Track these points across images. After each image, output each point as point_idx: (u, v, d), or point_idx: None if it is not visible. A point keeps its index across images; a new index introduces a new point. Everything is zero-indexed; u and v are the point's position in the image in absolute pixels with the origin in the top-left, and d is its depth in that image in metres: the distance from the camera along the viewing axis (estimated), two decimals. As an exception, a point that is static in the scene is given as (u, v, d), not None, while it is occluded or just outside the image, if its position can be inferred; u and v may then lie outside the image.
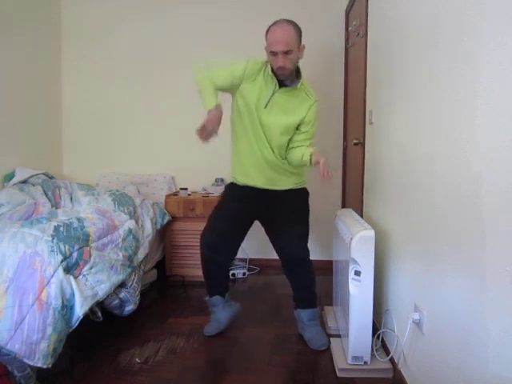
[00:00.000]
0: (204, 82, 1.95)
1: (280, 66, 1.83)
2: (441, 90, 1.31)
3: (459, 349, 1.18)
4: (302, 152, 1.94)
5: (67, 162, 3.46)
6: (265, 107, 1.93)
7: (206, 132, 1.77)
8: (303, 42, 1.91)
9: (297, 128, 1.99)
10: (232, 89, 1.98)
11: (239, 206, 2.07)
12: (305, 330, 2.11)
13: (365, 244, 1.72)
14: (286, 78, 1.92)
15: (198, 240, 2.89)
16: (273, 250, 2.14)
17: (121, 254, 2.12)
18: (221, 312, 2.17)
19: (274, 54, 1.82)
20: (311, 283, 2.12)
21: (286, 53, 1.81)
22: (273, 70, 1.90)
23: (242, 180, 2.08)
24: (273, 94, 1.92)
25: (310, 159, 1.87)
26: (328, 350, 2.00)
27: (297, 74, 1.97)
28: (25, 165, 2.89)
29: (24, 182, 2.72)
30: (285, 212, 2.06)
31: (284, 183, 2.06)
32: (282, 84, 1.92)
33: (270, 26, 1.87)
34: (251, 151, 2.01)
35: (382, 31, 2.05)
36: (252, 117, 1.95)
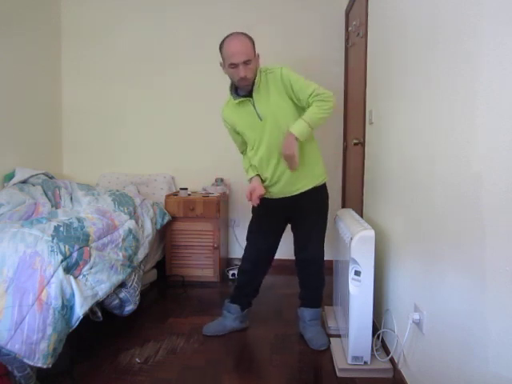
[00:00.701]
0: (246, 165, 2.12)
1: (242, 77, 1.83)
2: (441, 90, 1.31)
3: (459, 349, 1.18)
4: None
5: (67, 162, 3.46)
6: (260, 120, 1.94)
7: (249, 198, 1.98)
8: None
9: (294, 102, 1.92)
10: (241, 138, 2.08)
11: (271, 218, 2.10)
12: (306, 329, 2.11)
13: (365, 244, 1.72)
14: (249, 86, 1.91)
15: (198, 240, 2.93)
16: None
17: (121, 254, 2.12)
18: (230, 321, 2.18)
19: (234, 65, 1.83)
20: (321, 284, 2.13)
21: (246, 63, 1.81)
22: (235, 88, 1.96)
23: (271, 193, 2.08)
24: (254, 106, 1.93)
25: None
26: (328, 349, 2.00)
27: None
28: (25, 165, 2.89)
29: (24, 181, 2.72)
30: (310, 212, 2.05)
31: (309, 180, 2.02)
32: (249, 94, 1.93)
33: (223, 41, 1.88)
34: (271, 163, 1.99)
35: (382, 31, 2.05)
36: (256, 134, 1.97)
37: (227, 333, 2.17)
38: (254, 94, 1.93)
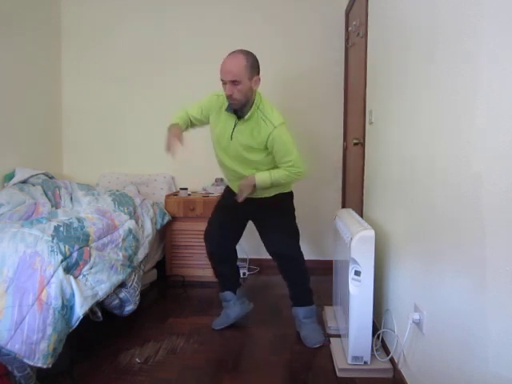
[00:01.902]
0: (177, 112, 2.15)
1: (228, 95, 1.84)
2: (441, 90, 1.31)
3: (459, 349, 1.18)
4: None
5: (67, 162, 3.46)
6: (231, 139, 1.97)
7: (168, 147, 1.95)
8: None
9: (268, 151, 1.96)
10: (206, 121, 2.10)
11: (233, 205, 2.10)
12: (301, 327, 2.13)
13: (365, 244, 1.72)
14: (241, 108, 1.90)
15: (198, 240, 2.92)
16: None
17: (121, 254, 2.12)
18: (231, 308, 2.23)
19: (223, 82, 1.84)
20: (304, 280, 2.15)
21: (234, 83, 1.80)
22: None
23: (230, 186, 2.20)
24: (235, 125, 1.95)
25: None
26: (328, 349, 2.00)
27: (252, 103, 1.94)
28: (25, 165, 2.89)
29: (24, 181, 2.72)
30: (270, 215, 2.10)
31: (264, 193, 2.07)
32: (240, 116, 1.94)
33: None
34: (230, 171, 2.10)
35: (382, 31, 2.05)
36: (221, 146, 2.04)
37: (235, 321, 2.23)
38: (239, 121, 1.94)
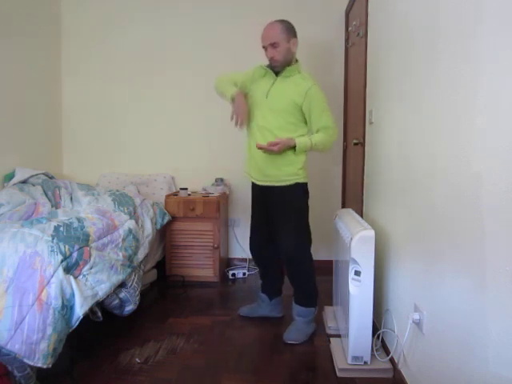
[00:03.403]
0: (220, 81, 2.20)
1: (270, 57, 2.02)
2: (441, 90, 1.31)
3: (459, 349, 1.18)
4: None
5: (67, 162, 3.46)
6: (266, 97, 2.06)
7: (237, 119, 2.01)
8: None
9: (299, 113, 2.04)
10: (245, 91, 2.14)
11: (258, 205, 2.23)
12: (291, 322, 2.16)
13: (365, 244, 1.72)
14: (282, 69, 2.05)
15: (198, 240, 2.93)
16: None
17: (121, 254, 2.12)
18: (261, 308, 2.35)
19: (265, 48, 2.03)
20: (306, 281, 2.15)
21: (273, 45, 1.98)
22: (270, 66, 2.09)
23: (249, 173, 2.22)
24: (272, 84, 2.07)
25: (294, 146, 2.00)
26: (328, 349, 2.00)
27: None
28: (25, 165, 2.89)
29: (24, 182, 2.72)
30: (281, 211, 2.09)
31: (275, 175, 2.06)
32: (278, 74, 2.08)
33: None
34: (252, 143, 2.10)
35: (382, 31, 2.05)
36: (258, 110, 2.09)
37: (258, 316, 2.34)
38: (278, 78, 2.07)
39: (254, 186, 2.22)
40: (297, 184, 2.07)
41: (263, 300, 2.34)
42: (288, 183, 2.06)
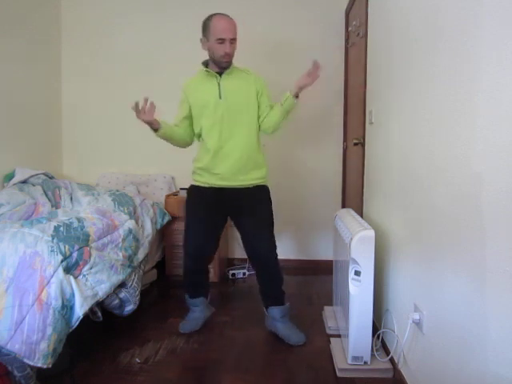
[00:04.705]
0: (169, 136, 2.19)
1: (227, 53, 1.95)
2: (441, 90, 1.31)
3: (459, 349, 1.18)
4: (275, 107, 2.05)
5: (67, 162, 3.46)
6: (220, 98, 2.01)
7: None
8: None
9: (258, 105, 2.07)
10: (192, 114, 2.13)
11: (209, 211, 2.10)
12: (277, 326, 2.12)
13: (365, 244, 1.72)
14: (227, 67, 2.02)
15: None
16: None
17: (121, 254, 2.12)
18: (200, 312, 2.24)
19: (221, 41, 1.94)
20: (281, 279, 2.17)
21: (232, 41, 1.95)
22: (213, 62, 2.04)
23: (205, 180, 2.11)
24: (219, 84, 2.02)
25: (293, 95, 1.98)
26: (328, 349, 2.00)
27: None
28: (25, 165, 2.89)
29: (24, 182, 2.72)
30: (257, 211, 2.08)
31: (246, 177, 2.05)
32: (220, 73, 2.04)
33: (211, 17, 1.99)
34: (228, 143, 2.04)
35: (382, 31, 2.05)
36: (209, 111, 2.03)
37: (202, 325, 2.22)
38: (224, 75, 2.02)
39: (207, 190, 2.08)
40: (264, 185, 2.14)
41: (199, 304, 2.23)
42: (261, 182, 2.11)
